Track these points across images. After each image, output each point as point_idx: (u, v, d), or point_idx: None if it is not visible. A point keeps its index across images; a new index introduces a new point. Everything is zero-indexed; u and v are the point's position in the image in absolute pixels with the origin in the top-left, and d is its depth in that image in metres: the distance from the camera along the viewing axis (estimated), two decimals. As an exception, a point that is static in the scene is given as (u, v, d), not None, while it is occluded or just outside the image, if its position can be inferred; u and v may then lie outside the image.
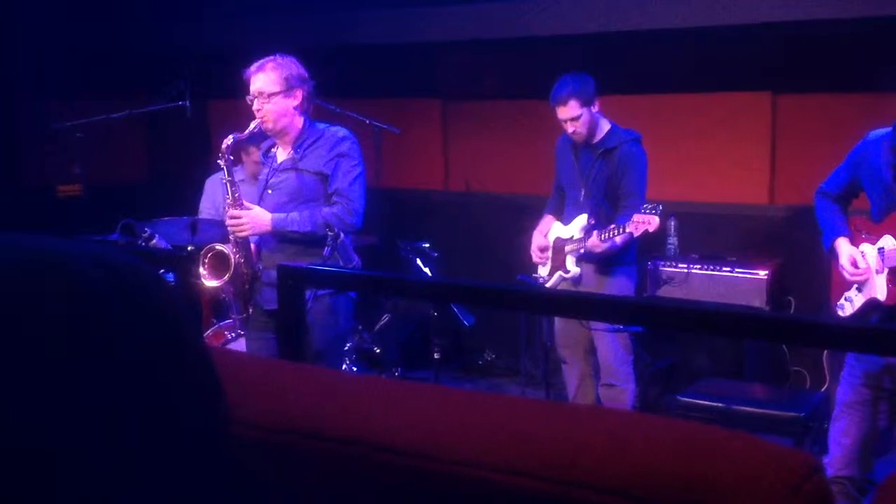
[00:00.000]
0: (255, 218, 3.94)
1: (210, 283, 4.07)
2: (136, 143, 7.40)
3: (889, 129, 3.36)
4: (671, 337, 5.41)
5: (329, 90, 5.16)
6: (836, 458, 3.58)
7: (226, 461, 0.80)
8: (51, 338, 0.65)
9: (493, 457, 0.83)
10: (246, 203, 3.99)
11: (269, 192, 4.05)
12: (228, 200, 3.98)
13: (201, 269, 4.03)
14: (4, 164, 6.59)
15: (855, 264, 3.52)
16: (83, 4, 6.65)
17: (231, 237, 4.02)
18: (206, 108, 6.99)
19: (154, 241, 4.45)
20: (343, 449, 0.92)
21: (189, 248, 4.52)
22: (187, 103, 5.46)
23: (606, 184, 4.58)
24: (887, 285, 3.43)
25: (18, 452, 0.63)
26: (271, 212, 3.97)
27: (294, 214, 3.93)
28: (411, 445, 0.88)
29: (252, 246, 4.07)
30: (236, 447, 0.91)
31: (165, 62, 6.49)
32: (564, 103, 4.50)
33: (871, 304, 3.48)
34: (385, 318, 5.98)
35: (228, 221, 3.98)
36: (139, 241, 4.42)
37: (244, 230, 3.96)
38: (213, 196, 5.22)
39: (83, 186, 5.82)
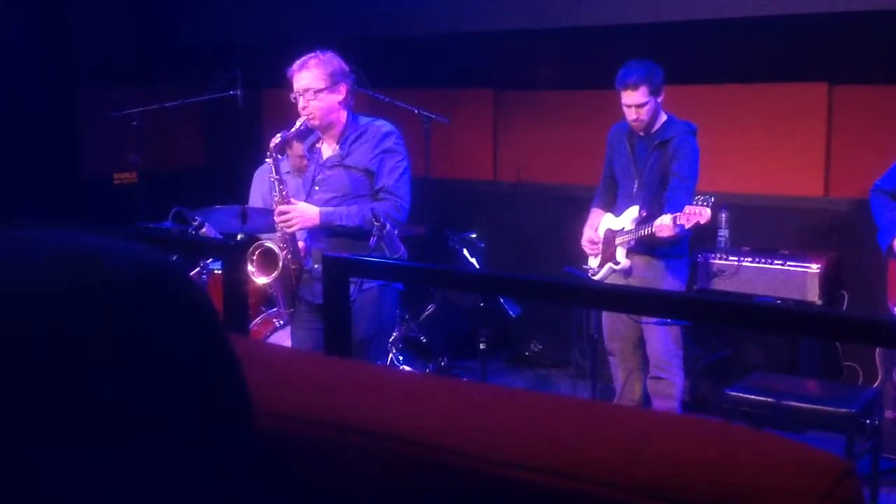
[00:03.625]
0: (303, 212, 3.98)
1: (259, 279, 4.12)
2: (190, 132, 7.49)
3: None
4: (723, 330, 5.35)
5: (379, 80, 5.18)
6: None
7: (253, 457, 0.80)
8: (82, 336, 0.65)
9: (518, 454, 0.83)
10: (292, 199, 4.03)
11: (317, 188, 4.09)
12: (276, 198, 4.03)
13: (250, 267, 4.08)
14: (65, 154, 6.71)
15: None
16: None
17: (279, 233, 4.06)
18: (259, 98, 7.05)
19: (204, 229, 4.49)
20: (379, 444, 0.92)
21: (239, 237, 4.57)
22: (239, 92, 5.51)
23: (661, 175, 4.53)
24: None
25: (44, 451, 0.64)
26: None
27: (342, 209, 3.97)
28: (446, 442, 0.88)
29: (301, 244, 4.11)
30: (274, 440, 0.93)
31: (219, 51, 6.55)
32: (635, 88, 4.42)
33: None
34: (431, 307, 5.99)
35: (277, 218, 4.02)
36: (190, 230, 4.47)
37: (293, 225, 4.00)
38: (261, 187, 5.28)
39: (139, 174, 5.92)
